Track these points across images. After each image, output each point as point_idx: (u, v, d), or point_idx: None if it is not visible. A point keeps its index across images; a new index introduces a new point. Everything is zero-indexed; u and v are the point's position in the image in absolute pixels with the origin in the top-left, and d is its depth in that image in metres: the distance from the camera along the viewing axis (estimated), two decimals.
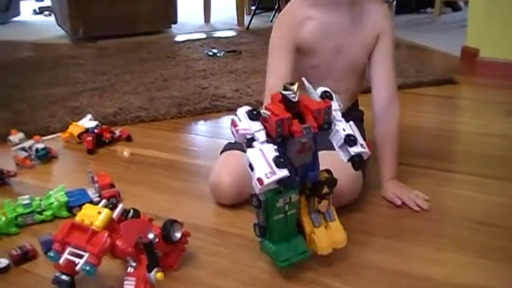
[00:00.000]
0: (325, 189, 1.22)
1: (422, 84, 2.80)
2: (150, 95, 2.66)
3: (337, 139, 1.20)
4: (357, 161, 1.19)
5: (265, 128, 1.14)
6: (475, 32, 3.36)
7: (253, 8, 5.21)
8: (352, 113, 1.71)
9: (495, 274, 1.25)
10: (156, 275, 1.13)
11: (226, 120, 2.36)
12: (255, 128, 1.13)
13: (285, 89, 1.16)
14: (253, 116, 1.14)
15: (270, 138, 1.13)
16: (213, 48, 3.72)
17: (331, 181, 1.23)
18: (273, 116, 1.12)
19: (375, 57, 1.64)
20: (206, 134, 2.28)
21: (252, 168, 1.10)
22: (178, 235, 1.23)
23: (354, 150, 1.18)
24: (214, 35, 4.52)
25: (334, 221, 1.25)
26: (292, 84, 1.16)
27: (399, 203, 1.55)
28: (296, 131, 1.14)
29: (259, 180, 1.07)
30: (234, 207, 1.55)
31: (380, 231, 1.45)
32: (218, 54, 3.56)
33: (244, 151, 1.55)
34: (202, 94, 2.64)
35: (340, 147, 1.20)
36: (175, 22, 4.74)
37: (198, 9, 5.36)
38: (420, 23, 5.30)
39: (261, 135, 1.12)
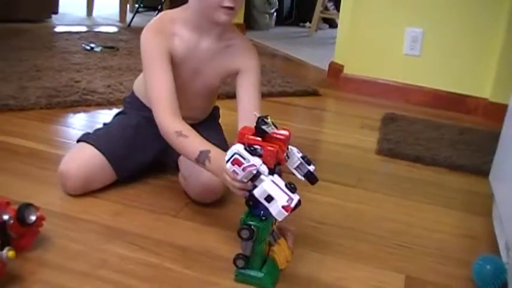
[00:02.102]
0: None
1: (286, 94, 2.97)
2: (21, 84, 2.64)
3: (293, 161, 1.33)
4: (314, 176, 1.34)
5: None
6: (341, 50, 3.59)
7: (136, 5, 5.24)
8: (209, 117, 1.85)
9: (322, 265, 1.39)
10: (8, 253, 1.16)
11: (95, 114, 2.41)
12: (258, 162, 1.19)
13: (262, 122, 1.23)
14: (253, 151, 1.19)
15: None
16: (91, 42, 3.73)
17: None
18: (268, 149, 1.21)
19: (240, 92, 1.63)
20: (73, 126, 2.29)
21: (269, 200, 1.17)
22: (33, 218, 1.27)
23: (311, 168, 1.33)
24: (95, 30, 4.52)
25: (280, 238, 1.34)
26: (266, 117, 1.24)
27: None
28: (282, 159, 1.27)
29: (286, 207, 1.16)
30: (89, 195, 1.61)
31: (224, 222, 1.53)
32: (95, 49, 3.59)
33: (95, 146, 1.62)
34: (73, 87, 2.66)
35: (296, 167, 1.33)
36: (56, 12, 4.68)
37: (81, 1, 5.32)
38: (297, 37, 5.55)
39: (265, 168, 1.20)
